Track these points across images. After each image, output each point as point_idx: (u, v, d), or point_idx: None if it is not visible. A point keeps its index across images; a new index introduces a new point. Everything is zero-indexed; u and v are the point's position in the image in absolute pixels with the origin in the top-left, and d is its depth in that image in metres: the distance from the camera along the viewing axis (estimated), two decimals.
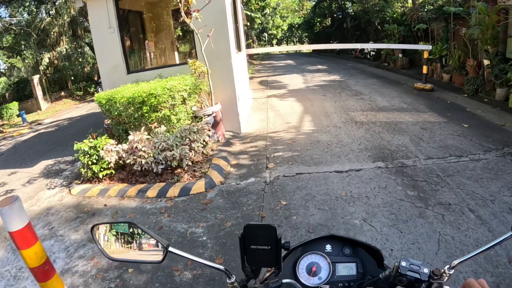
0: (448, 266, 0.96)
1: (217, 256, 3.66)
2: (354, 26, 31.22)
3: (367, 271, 1.21)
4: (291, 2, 58.61)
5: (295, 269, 1.21)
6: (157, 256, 1.11)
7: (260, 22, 31.61)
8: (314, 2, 44.36)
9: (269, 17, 36.81)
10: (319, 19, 44.08)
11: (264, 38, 61.11)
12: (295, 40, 75.18)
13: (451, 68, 11.73)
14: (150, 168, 5.50)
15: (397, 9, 20.03)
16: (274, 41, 75.43)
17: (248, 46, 33.16)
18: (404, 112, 8.46)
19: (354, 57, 26.68)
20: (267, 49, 25.67)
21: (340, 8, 36.16)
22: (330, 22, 40.78)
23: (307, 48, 21.05)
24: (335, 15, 38.22)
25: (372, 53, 23.07)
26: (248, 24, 29.23)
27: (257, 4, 26.07)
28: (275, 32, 57.72)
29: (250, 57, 35.06)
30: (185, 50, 12.12)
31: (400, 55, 17.00)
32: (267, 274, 1.23)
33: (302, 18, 56.97)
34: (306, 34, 57.55)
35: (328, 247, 1.26)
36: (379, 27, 21.53)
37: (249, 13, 16.98)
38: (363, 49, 24.96)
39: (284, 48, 19.70)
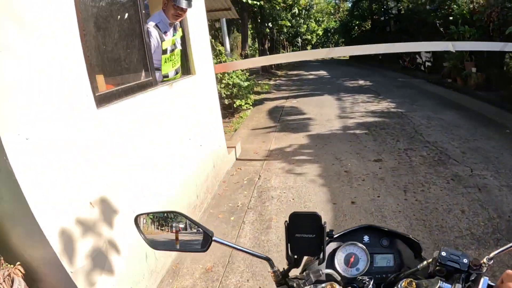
0: (487, 256, 0.95)
1: None
2: (399, 29, 25.87)
3: (404, 263, 1.22)
4: (325, 4, 53.88)
5: (333, 260, 1.22)
6: (201, 245, 1.12)
7: (290, 25, 26.59)
8: (351, 3, 39.04)
9: (301, 20, 31.89)
10: (357, 22, 39.22)
11: (297, 44, 57.02)
12: (331, 46, 71.13)
13: None
14: None
15: (463, 5, 14.77)
16: (309, 47, 71.24)
17: (268, 51, 28.00)
18: None
19: (402, 68, 21.64)
20: (256, 62, 17.16)
21: (382, 8, 30.77)
22: (370, 26, 35.71)
23: (343, 53, 16.07)
24: (375, 17, 32.95)
25: (427, 64, 18.25)
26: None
27: (284, 3, 20.80)
28: (309, 37, 53.71)
29: (276, 66, 30.17)
30: None
31: (474, 70, 11.82)
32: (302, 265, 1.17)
33: (338, 22, 52.17)
34: (343, 39, 53.33)
35: (366, 238, 1.26)
36: (441, 29, 16.25)
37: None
38: (415, 59, 20.28)
39: (295, 57, 13.15)
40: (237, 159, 6.21)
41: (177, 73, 4.37)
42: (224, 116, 9.74)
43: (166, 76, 4.16)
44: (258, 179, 5.30)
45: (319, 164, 5.71)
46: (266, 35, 25.91)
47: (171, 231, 1.15)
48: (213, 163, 5.00)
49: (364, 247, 1.20)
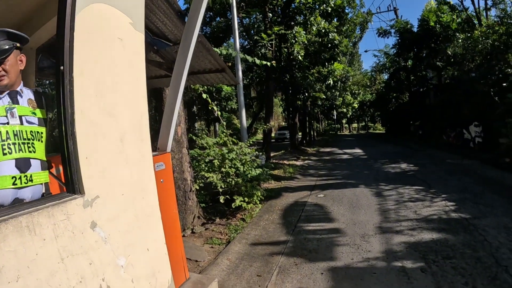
0: None
1: None
2: (441, 101, 23.95)
3: None
4: (361, 76, 52.93)
5: None
6: None
7: (325, 97, 24.98)
8: (388, 75, 37.60)
9: (337, 93, 30.34)
10: (394, 94, 37.66)
11: (332, 117, 56.06)
12: (366, 120, 70.06)
13: None
14: None
15: None
16: (344, 120, 70.13)
17: (300, 125, 25.87)
18: None
19: (446, 144, 20.16)
20: None
21: (421, 79, 28.99)
22: (408, 98, 34.04)
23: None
24: (414, 89, 31.26)
25: (477, 139, 16.07)
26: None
27: (318, 73, 19.15)
28: (344, 110, 52.57)
29: (308, 142, 28.35)
30: None
31: None
32: None
33: (374, 94, 50.90)
34: (379, 112, 51.99)
35: None
36: (496, 98, 14.11)
37: (249, 58, 8.97)
38: (461, 134, 18.95)
39: None
40: None
41: (22, 171, 2.42)
42: (221, 216, 7.36)
43: None
44: None
45: None
46: (298, 107, 24.07)
47: None
48: None
49: None
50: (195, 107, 28.20)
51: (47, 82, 10.31)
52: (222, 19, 22.56)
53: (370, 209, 7.61)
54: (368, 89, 54.71)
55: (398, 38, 29.27)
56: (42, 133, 2.57)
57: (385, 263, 4.76)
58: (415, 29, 27.67)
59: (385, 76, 44.07)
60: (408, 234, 5.82)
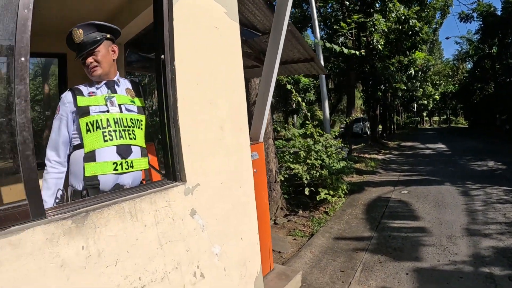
0: None
1: None
2: None
3: None
4: (443, 66, 49.68)
5: None
6: None
7: (406, 88, 23.91)
8: (472, 63, 34.94)
9: (418, 83, 28.97)
10: (479, 85, 34.75)
11: (413, 109, 53.47)
12: (448, 112, 66.24)
13: None
14: None
15: None
16: (424, 113, 66.97)
17: (381, 117, 25.09)
18: None
19: None
20: None
21: (507, 68, 26.65)
22: (493, 89, 31.35)
23: None
24: (499, 79, 28.77)
25: None
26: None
27: (398, 62, 18.36)
28: (425, 102, 49.83)
29: (388, 136, 27.48)
30: None
31: None
32: None
33: (457, 85, 47.51)
34: (461, 105, 48.46)
35: None
36: None
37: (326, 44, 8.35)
38: None
39: None
40: None
41: (123, 157, 2.44)
42: (304, 208, 7.30)
43: (90, 156, 2.38)
44: None
45: None
46: (379, 99, 23.26)
47: None
48: None
49: None
50: (273, 99, 28.28)
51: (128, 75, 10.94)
52: (297, 9, 22.28)
53: (457, 208, 7.16)
54: (450, 79, 51.41)
55: (481, 22, 27.15)
56: (141, 120, 2.63)
57: (472, 268, 4.45)
58: (498, 13, 25.57)
59: (468, 65, 41.28)
60: (497, 238, 5.39)
